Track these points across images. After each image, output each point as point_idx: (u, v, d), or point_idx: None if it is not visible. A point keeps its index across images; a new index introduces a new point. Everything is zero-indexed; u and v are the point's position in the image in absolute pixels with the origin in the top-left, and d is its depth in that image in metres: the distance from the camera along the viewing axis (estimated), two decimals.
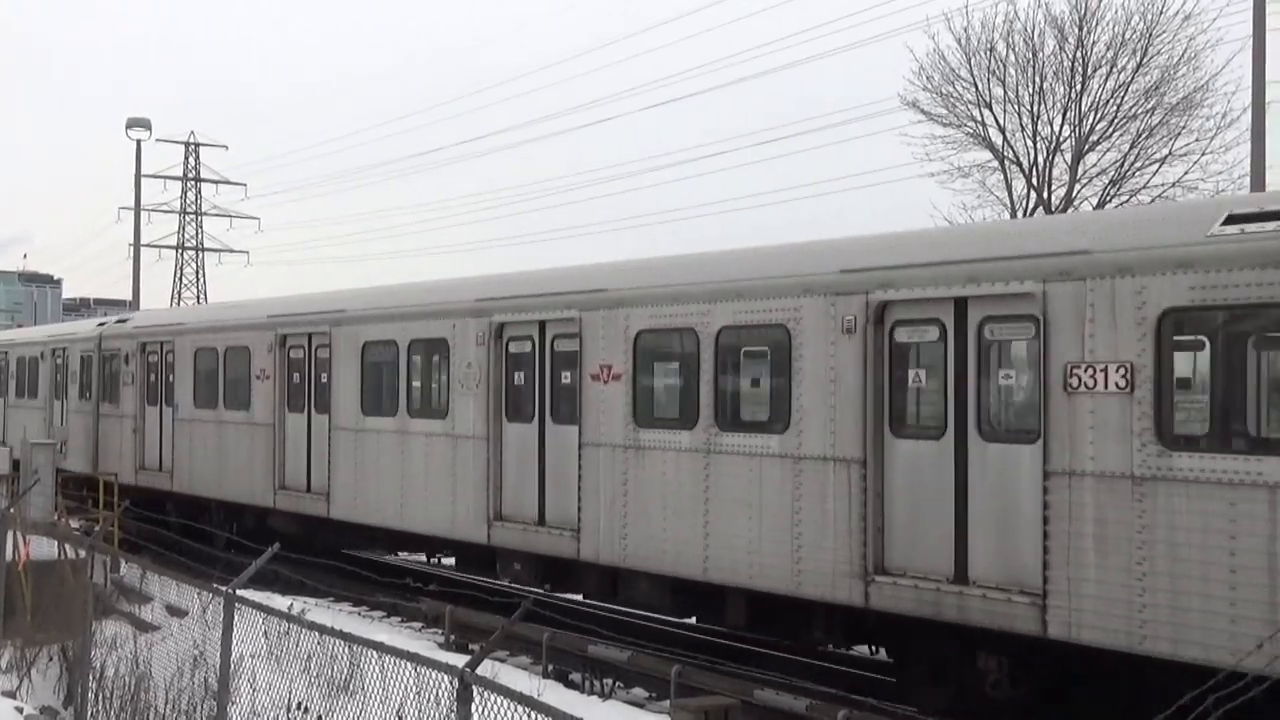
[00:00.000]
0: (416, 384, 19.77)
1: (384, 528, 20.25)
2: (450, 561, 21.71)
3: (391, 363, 19.98)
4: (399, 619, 19.68)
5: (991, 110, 36.11)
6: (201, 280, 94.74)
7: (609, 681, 15.23)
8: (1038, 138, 35.99)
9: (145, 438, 27.43)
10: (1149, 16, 34.12)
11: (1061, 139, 35.70)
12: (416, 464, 19.18)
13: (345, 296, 22.07)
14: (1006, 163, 36.33)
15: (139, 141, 53.38)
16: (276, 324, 22.93)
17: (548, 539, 16.77)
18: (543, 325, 17.00)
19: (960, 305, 12.26)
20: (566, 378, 16.71)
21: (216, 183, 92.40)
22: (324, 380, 21.49)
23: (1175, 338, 10.86)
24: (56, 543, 18.59)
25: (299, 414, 22.22)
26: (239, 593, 11.06)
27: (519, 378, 17.46)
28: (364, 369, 20.69)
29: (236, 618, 11.04)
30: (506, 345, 17.54)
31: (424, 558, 23.32)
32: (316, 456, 21.65)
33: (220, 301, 25.04)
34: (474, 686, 7.44)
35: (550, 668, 15.66)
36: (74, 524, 24.46)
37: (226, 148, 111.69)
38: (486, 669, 8.74)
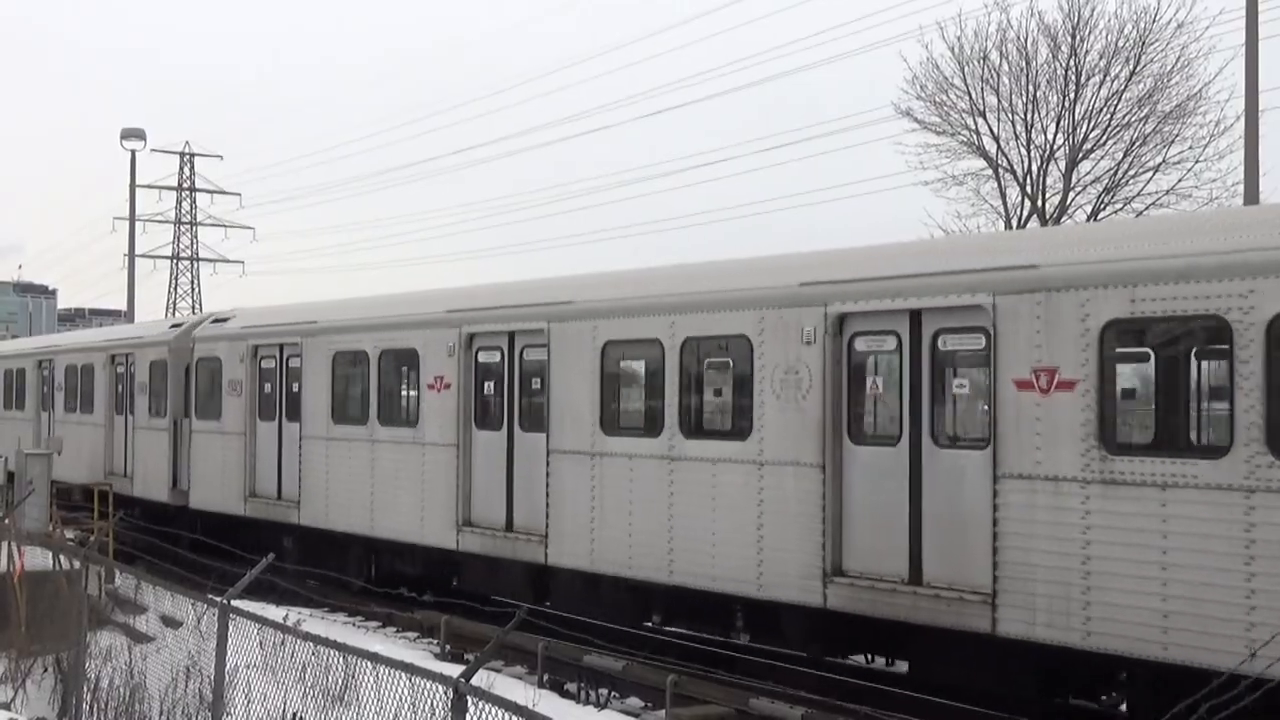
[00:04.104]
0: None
1: None
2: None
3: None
4: (394, 629, 19.65)
5: (985, 119, 36.07)
6: (197, 290, 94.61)
7: (604, 691, 15.21)
8: (1031, 146, 35.97)
9: None
10: (1142, 25, 34.11)
11: (1055, 147, 35.66)
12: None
13: None
14: (1000, 171, 36.32)
15: (134, 152, 53.19)
16: None
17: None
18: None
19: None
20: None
21: (211, 193, 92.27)
22: None
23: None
24: (51, 554, 18.57)
25: None
26: (233, 603, 11.07)
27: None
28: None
29: (231, 628, 11.04)
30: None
31: None
32: None
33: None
34: (469, 697, 7.45)
35: (545, 677, 15.64)
36: (68, 534, 24.40)
37: (221, 157, 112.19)
38: (481, 679, 8.74)
